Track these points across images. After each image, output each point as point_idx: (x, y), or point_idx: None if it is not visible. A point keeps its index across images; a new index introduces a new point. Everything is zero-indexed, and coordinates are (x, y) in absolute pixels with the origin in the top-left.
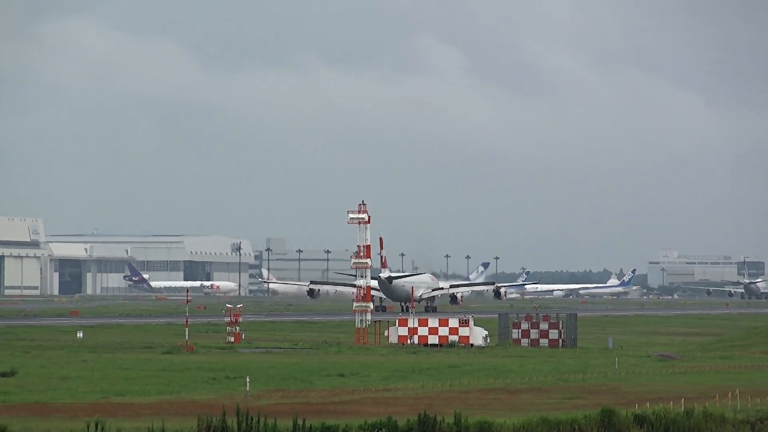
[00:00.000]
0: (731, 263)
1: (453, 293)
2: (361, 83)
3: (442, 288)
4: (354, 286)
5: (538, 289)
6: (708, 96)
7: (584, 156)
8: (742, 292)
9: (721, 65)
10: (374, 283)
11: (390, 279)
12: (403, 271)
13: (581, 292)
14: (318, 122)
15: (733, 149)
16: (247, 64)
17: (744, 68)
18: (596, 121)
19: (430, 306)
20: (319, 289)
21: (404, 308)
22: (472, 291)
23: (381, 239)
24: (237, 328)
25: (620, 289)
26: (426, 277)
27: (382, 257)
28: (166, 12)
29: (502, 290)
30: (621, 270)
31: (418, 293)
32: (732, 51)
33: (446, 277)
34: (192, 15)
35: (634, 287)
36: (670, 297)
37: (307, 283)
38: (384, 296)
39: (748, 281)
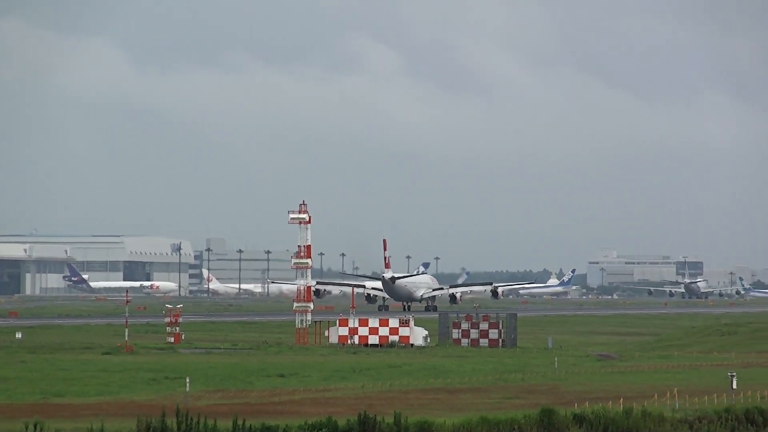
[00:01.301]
0: (670, 263)
1: (452, 293)
2: (298, 82)
3: (442, 288)
4: (360, 286)
5: (532, 289)
6: (642, 96)
7: (522, 156)
8: (682, 292)
9: (655, 65)
10: (378, 284)
11: (393, 279)
12: (343, 271)
13: (521, 292)
14: (256, 122)
15: (668, 149)
16: (183, 64)
17: (678, 68)
18: (532, 121)
19: (430, 305)
20: (324, 289)
21: (406, 307)
22: (470, 291)
23: (384, 241)
24: (177, 328)
25: (560, 289)
26: (426, 278)
27: (385, 258)
28: (100, 12)
29: (500, 290)
30: (561, 270)
31: (419, 293)
32: (667, 51)
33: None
34: (126, 15)
35: (574, 287)
36: (609, 297)
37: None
38: (387, 296)
39: (688, 281)
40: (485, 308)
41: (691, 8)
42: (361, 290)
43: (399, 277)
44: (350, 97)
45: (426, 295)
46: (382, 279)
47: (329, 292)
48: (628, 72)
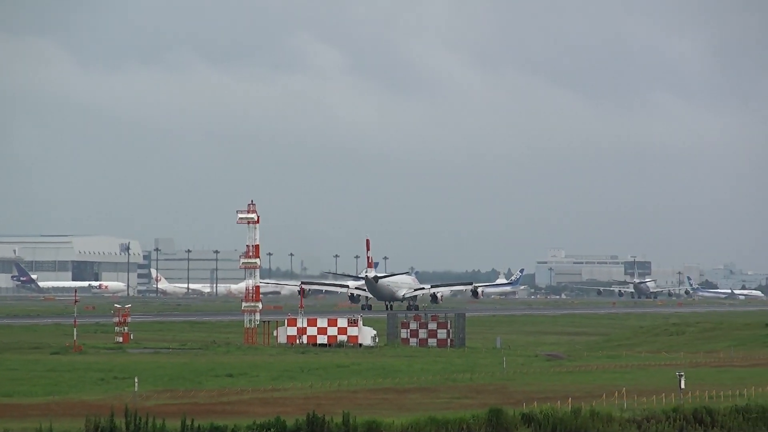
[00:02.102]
0: (618, 263)
1: (434, 293)
2: (243, 82)
3: (423, 288)
4: (343, 286)
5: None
6: (588, 95)
7: (469, 155)
8: (632, 292)
9: (601, 65)
10: (362, 284)
11: (376, 278)
12: (291, 270)
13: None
14: (202, 121)
15: (615, 149)
16: (128, 63)
17: (624, 68)
18: (478, 121)
19: (412, 305)
20: (309, 289)
21: (388, 306)
22: (451, 291)
23: (368, 241)
24: (125, 328)
25: (508, 288)
26: (408, 278)
27: (368, 258)
28: (44, 12)
29: (479, 290)
30: (509, 269)
31: (401, 293)
32: (613, 50)
33: (334, 276)
34: (70, 15)
35: (522, 287)
36: (557, 297)
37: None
38: (370, 295)
39: (638, 281)
40: (435, 308)
41: (636, 7)
42: (344, 290)
43: (382, 277)
44: (295, 96)
45: (408, 295)
46: (366, 278)
47: (321, 291)
48: (573, 72)
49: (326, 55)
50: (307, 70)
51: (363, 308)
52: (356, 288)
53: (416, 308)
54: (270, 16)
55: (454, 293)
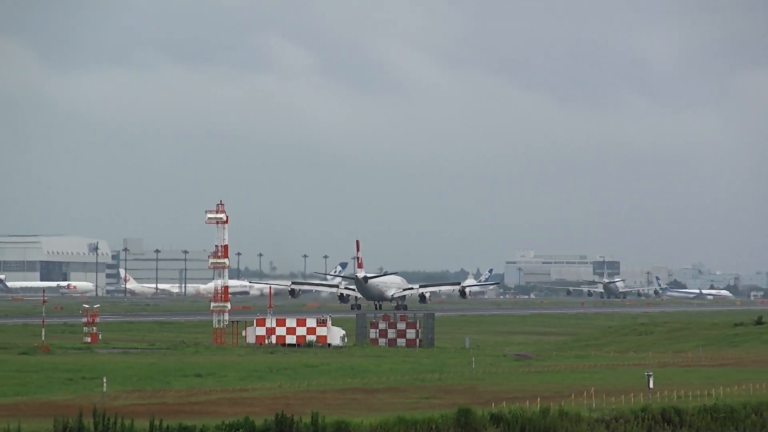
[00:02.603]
0: (587, 263)
1: (422, 293)
2: (209, 81)
3: (412, 288)
4: (333, 286)
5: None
6: (557, 96)
7: (437, 156)
8: (601, 292)
9: (570, 65)
10: (351, 284)
11: (366, 279)
12: (260, 270)
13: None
14: (169, 121)
15: (584, 149)
16: (93, 63)
17: (593, 68)
18: (447, 121)
19: (401, 305)
20: (300, 290)
21: (377, 306)
22: (439, 291)
23: (357, 242)
24: (94, 328)
25: (477, 288)
26: (397, 278)
27: (358, 259)
28: (9, 11)
29: (467, 290)
30: (478, 269)
31: (389, 293)
32: (581, 51)
33: (303, 276)
34: (37, 15)
35: (492, 286)
36: (526, 296)
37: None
38: (359, 295)
39: (607, 281)
40: (423, 308)
41: (604, 8)
42: (334, 290)
43: (371, 277)
44: (263, 96)
45: (396, 295)
46: (355, 278)
47: (315, 291)
48: (544, 72)
49: (294, 54)
50: (275, 69)
51: (352, 308)
52: (345, 288)
53: (405, 308)
54: (237, 16)
55: (443, 293)
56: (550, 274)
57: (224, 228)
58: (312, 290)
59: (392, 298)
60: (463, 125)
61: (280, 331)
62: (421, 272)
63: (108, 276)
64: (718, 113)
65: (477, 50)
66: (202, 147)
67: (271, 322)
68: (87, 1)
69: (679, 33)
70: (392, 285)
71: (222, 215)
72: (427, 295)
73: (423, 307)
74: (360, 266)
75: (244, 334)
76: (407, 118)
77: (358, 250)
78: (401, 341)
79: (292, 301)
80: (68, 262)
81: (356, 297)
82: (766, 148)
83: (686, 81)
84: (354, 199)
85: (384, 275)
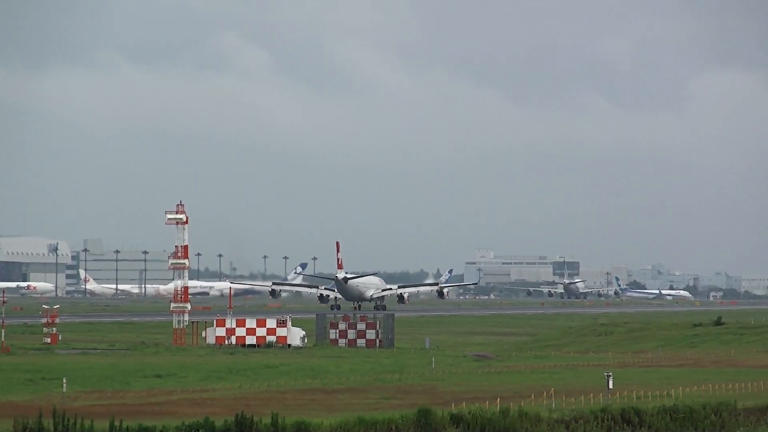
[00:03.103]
0: (547, 263)
1: (401, 293)
2: (168, 81)
3: (390, 288)
4: (314, 287)
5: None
6: (515, 96)
7: (397, 156)
8: (561, 293)
9: (528, 66)
10: (331, 284)
11: (345, 279)
12: (220, 271)
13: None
14: (128, 121)
15: (543, 149)
16: (52, 63)
17: (551, 68)
18: (405, 122)
19: (379, 305)
20: (280, 290)
21: (356, 307)
22: (418, 291)
23: (338, 243)
24: (54, 329)
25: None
26: (376, 279)
27: (338, 260)
28: None
29: (445, 290)
30: (438, 270)
31: (369, 293)
32: (540, 51)
33: (264, 277)
34: None
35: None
36: (486, 297)
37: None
38: (339, 296)
39: (567, 281)
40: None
41: (563, 8)
42: (314, 290)
43: (351, 278)
44: (221, 97)
45: (376, 295)
46: (336, 279)
47: (295, 292)
48: (501, 72)
49: (253, 55)
50: (234, 70)
51: (332, 308)
52: (325, 288)
53: (383, 308)
54: (196, 16)
55: (421, 294)
56: (509, 274)
57: (184, 229)
58: (293, 290)
59: (371, 299)
60: (421, 125)
61: (240, 331)
62: (382, 273)
63: (68, 277)
64: (676, 114)
65: (435, 50)
66: (162, 147)
67: (231, 323)
68: (47, 1)
69: (638, 34)
70: (371, 285)
71: (182, 216)
72: (406, 295)
73: (384, 307)
74: (340, 267)
75: (204, 334)
76: (366, 118)
77: (338, 251)
78: (361, 342)
79: (272, 300)
80: (28, 263)
81: (336, 297)
82: (725, 149)
83: (645, 82)
84: (313, 199)
85: (363, 276)
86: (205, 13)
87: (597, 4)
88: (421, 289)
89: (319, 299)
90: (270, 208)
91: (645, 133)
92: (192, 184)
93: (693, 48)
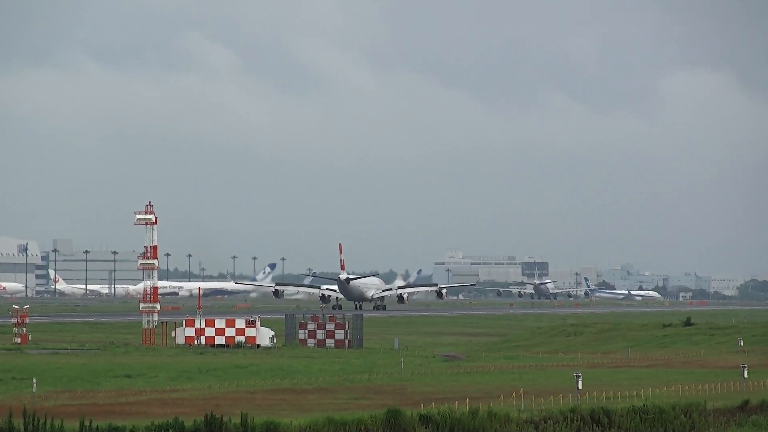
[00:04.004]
0: (516, 264)
1: (400, 294)
2: (134, 81)
3: (390, 289)
4: (315, 287)
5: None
6: (481, 96)
7: (364, 156)
8: (531, 293)
9: (494, 65)
10: (333, 285)
11: (348, 280)
12: (189, 271)
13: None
14: (97, 122)
15: (510, 149)
16: (17, 63)
17: (517, 68)
18: (371, 121)
19: (380, 305)
20: (283, 290)
21: (357, 306)
22: (417, 292)
23: (340, 245)
24: (24, 329)
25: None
26: (376, 280)
27: (341, 261)
28: None
29: (444, 291)
30: (407, 271)
31: (369, 293)
32: (506, 51)
33: (233, 277)
34: None
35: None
36: (455, 297)
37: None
38: (341, 296)
39: (538, 282)
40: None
41: (528, 7)
42: (316, 290)
43: (353, 278)
44: (189, 96)
45: (376, 295)
46: (338, 279)
47: (298, 292)
48: (467, 71)
49: (218, 55)
50: (200, 69)
51: (333, 308)
52: (327, 289)
53: (384, 308)
54: (161, 16)
55: (420, 295)
56: (478, 275)
57: (153, 229)
58: (296, 291)
59: (372, 299)
60: (388, 126)
61: (210, 331)
62: (350, 272)
63: (37, 277)
64: (643, 113)
65: (401, 50)
66: (130, 147)
67: (200, 323)
68: (11, 1)
69: (602, 33)
70: (372, 286)
71: (151, 216)
72: (405, 295)
73: (352, 308)
74: (342, 268)
75: (173, 334)
76: (333, 118)
77: (341, 252)
78: (330, 342)
79: (276, 301)
80: None
81: (338, 297)
82: (692, 149)
83: (612, 81)
84: (280, 199)
85: (364, 277)
86: (170, 13)
87: (563, 3)
88: (420, 290)
89: (321, 299)
90: (239, 208)
91: (613, 133)
92: (161, 185)
93: (659, 47)
